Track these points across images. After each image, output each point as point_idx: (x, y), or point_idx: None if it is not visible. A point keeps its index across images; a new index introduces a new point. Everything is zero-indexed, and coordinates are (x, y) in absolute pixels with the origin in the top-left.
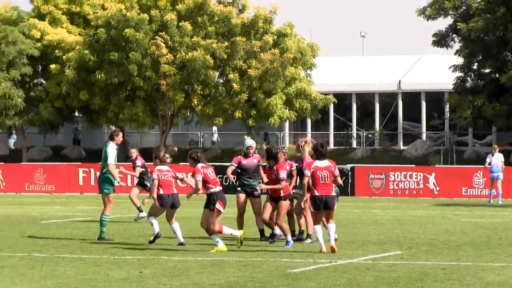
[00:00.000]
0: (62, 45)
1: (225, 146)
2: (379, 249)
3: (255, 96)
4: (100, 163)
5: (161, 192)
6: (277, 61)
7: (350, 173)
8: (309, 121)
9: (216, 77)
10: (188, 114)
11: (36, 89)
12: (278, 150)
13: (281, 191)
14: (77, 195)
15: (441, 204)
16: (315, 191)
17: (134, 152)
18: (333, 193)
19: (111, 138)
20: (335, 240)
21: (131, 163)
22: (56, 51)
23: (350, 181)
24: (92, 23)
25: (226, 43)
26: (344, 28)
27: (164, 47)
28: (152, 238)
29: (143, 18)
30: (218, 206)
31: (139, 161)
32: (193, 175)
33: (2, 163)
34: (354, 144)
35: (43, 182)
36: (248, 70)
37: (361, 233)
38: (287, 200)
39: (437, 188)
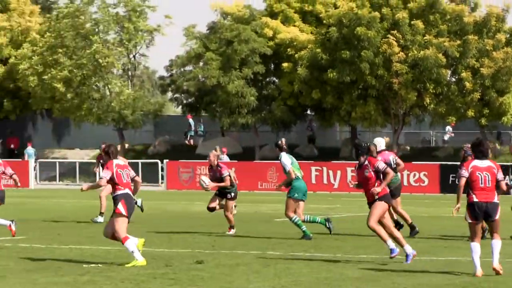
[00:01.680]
0: (295, 43)
1: (457, 145)
2: None
3: (487, 95)
4: None
5: None
6: (510, 59)
7: None
8: None
9: (448, 75)
10: (420, 113)
11: (269, 88)
12: (368, 144)
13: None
14: (310, 193)
15: None
16: (473, 196)
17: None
18: (496, 200)
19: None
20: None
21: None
22: (289, 49)
23: None
24: (324, 21)
25: (458, 42)
26: None
27: (396, 45)
28: None
29: (374, 16)
30: (120, 206)
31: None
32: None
33: (236, 161)
34: None
35: (276, 180)
36: (481, 68)
37: None
38: (383, 201)
39: None
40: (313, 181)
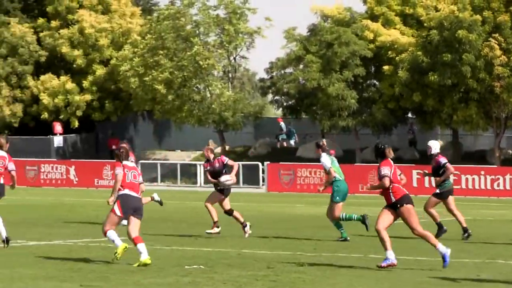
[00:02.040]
0: (395, 46)
1: None
2: None
3: None
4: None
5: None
6: None
7: None
8: None
9: None
10: None
11: (369, 90)
12: (385, 147)
13: (392, 196)
14: (411, 196)
15: None
16: None
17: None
18: None
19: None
20: None
21: None
22: (389, 52)
23: None
24: (425, 24)
25: None
26: None
27: (497, 48)
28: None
29: (475, 19)
30: (115, 208)
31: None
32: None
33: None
34: None
35: (377, 182)
36: None
37: None
38: (405, 205)
39: None
40: (415, 184)
